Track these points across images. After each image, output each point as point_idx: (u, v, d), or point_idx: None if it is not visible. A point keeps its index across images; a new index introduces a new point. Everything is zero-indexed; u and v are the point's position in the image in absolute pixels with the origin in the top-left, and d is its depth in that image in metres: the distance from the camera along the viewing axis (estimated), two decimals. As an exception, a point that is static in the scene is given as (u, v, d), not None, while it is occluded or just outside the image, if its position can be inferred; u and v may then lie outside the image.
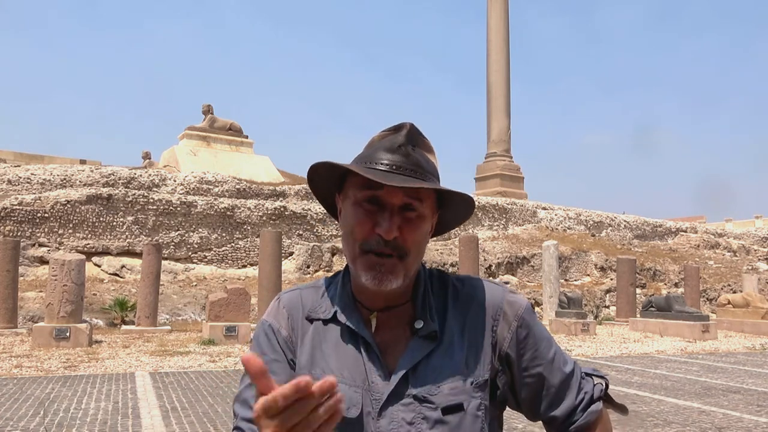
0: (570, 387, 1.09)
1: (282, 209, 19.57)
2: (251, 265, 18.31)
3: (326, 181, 1.08)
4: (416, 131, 1.04)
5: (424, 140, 1.05)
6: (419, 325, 1.03)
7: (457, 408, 0.99)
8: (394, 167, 0.98)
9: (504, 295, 1.08)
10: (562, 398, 1.08)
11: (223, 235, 18.60)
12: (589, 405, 1.09)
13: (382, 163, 0.99)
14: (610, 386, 1.16)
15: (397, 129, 1.03)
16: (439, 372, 1.00)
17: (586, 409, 1.08)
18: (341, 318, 1.04)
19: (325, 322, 1.06)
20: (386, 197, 0.98)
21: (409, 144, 1.01)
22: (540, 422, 1.13)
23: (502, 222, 24.46)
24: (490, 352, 1.05)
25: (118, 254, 17.22)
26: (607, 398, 1.12)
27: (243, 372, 0.85)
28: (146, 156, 26.81)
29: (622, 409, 1.15)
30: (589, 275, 21.71)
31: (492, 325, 1.06)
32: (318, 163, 1.03)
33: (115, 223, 17.29)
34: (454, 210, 1.09)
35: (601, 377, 1.13)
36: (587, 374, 1.13)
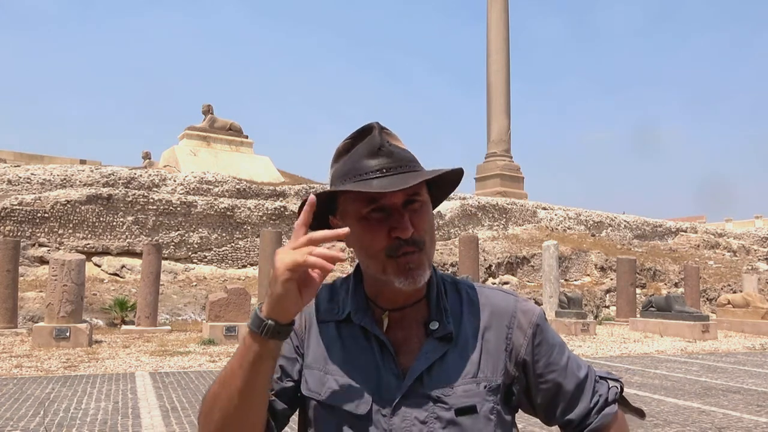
0: (584, 391, 1.10)
1: (282, 209, 19.57)
2: (251, 265, 18.32)
3: (318, 211, 1.08)
4: (384, 128, 1.05)
5: (392, 133, 1.05)
6: (434, 326, 1.04)
7: (471, 410, 1.01)
8: (384, 170, 0.99)
9: (516, 303, 1.10)
10: (577, 402, 1.10)
11: (223, 235, 18.60)
12: (604, 407, 1.10)
13: (372, 171, 0.99)
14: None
15: (365, 131, 1.03)
16: (452, 373, 1.02)
17: (601, 412, 1.10)
18: (355, 319, 1.06)
19: (336, 323, 1.08)
20: (389, 201, 0.99)
21: (386, 142, 1.01)
22: (539, 421, 1.14)
23: (502, 222, 24.46)
24: (504, 359, 1.06)
25: (118, 254, 17.23)
26: (622, 401, 1.13)
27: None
28: (146, 156, 26.79)
29: (638, 412, 1.16)
30: (589, 275, 21.71)
31: (506, 332, 1.07)
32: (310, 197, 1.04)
33: (115, 223, 17.29)
34: (443, 184, 1.10)
35: (616, 380, 1.14)
36: (601, 377, 1.14)
